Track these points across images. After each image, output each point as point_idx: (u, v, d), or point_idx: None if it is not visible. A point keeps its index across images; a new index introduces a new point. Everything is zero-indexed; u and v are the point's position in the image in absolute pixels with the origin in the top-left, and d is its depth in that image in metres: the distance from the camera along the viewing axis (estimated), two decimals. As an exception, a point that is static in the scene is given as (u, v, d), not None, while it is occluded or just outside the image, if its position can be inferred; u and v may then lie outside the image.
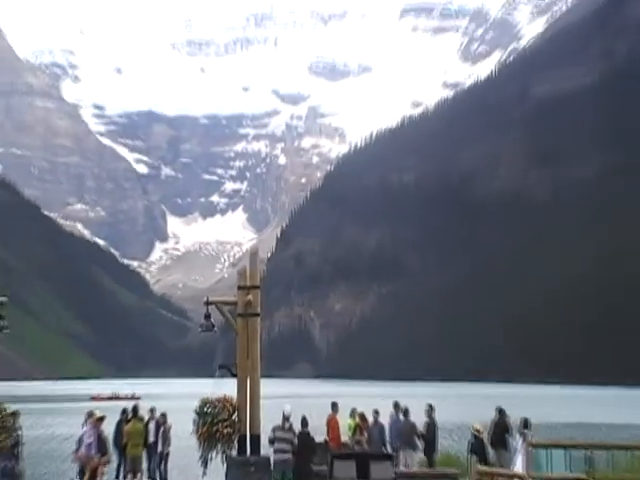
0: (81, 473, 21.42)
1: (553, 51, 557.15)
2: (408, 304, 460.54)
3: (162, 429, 39.12)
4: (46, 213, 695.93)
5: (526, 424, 35.56)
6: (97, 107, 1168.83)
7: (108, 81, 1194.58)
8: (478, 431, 36.60)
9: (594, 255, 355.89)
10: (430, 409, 36.83)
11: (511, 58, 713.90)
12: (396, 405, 36.72)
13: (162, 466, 39.05)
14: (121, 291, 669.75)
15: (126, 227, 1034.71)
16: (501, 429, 37.84)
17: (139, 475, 37.71)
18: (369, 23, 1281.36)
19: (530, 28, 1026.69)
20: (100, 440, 22.55)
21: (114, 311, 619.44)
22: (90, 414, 23.92)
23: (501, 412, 38.57)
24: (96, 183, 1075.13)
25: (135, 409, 39.35)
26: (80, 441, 25.59)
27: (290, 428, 31.66)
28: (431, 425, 36.42)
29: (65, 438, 38.04)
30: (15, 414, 31.86)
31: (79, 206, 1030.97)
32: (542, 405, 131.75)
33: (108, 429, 35.51)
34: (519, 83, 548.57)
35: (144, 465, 38.78)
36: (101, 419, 24.96)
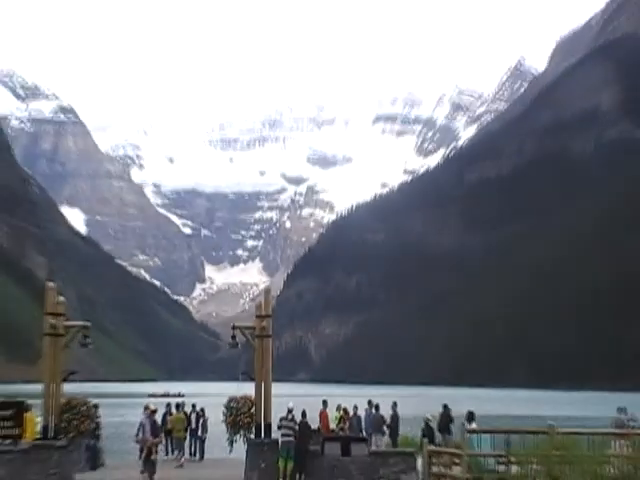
0: (141, 451, 21.32)
1: (481, 149, 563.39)
2: (377, 328, 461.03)
3: (202, 419, 39.05)
4: (118, 262, 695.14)
5: (470, 416, 35.72)
6: (155, 186, 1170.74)
7: (164, 168, 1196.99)
8: (429, 420, 36.39)
9: (505, 293, 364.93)
10: (394, 405, 36.68)
11: (452, 153, 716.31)
12: (369, 402, 36.62)
13: (201, 446, 38.95)
14: (171, 318, 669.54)
15: (175, 272, 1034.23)
16: (446, 419, 37.68)
17: (182, 453, 37.58)
18: (351, 127, 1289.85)
19: (465, 132, 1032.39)
20: (154, 426, 22.34)
21: (166, 332, 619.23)
22: (146, 407, 23.80)
23: (445, 407, 38.36)
24: (154, 241, 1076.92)
25: (178, 405, 39.64)
26: (140, 427, 25.35)
27: (292, 419, 31.49)
28: (394, 417, 36.26)
29: (131, 425, 37.71)
30: (96, 406, 32.13)
31: (142, 257, 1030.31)
32: (480, 402, 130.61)
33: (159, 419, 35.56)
34: (457, 171, 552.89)
35: (186, 445, 38.74)
36: (154, 411, 24.79)
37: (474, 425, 32.99)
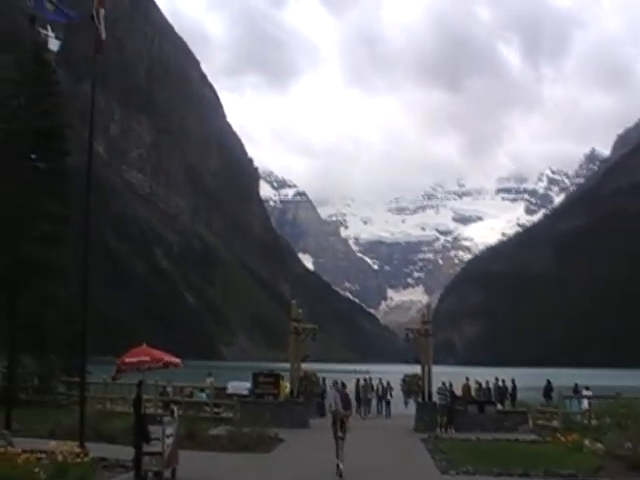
0: (334, 421, 18.85)
1: (567, 210, 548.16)
2: (501, 327, 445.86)
3: (387, 388, 39.21)
4: (334, 287, 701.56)
5: (576, 388, 35.30)
6: (356, 239, 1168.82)
7: (361, 227, 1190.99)
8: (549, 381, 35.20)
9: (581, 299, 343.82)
10: (513, 380, 35.42)
11: (548, 213, 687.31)
12: (497, 378, 35.53)
13: (387, 406, 38.99)
14: (366, 323, 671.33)
15: (369, 294, 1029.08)
16: (547, 389, 36.64)
17: (369, 409, 38.02)
18: (481, 196, 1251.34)
19: (558, 198, 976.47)
20: (346, 399, 19.92)
21: (362, 331, 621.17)
22: (335, 383, 22.12)
23: (548, 381, 37.28)
24: (355, 274, 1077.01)
25: (365, 379, 40.21)
26: (331, 400, 22.29)
27: (445, 388, 31.25)
28: (514, 388, 35.00)
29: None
30: (323, 378, 33.45)
31: (347, 284, 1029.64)
32: (584, 378, 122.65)
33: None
34: (552, 224, 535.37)
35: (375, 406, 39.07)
36: (344, 385, 22.97)
37: (590, 393, 32.76)
